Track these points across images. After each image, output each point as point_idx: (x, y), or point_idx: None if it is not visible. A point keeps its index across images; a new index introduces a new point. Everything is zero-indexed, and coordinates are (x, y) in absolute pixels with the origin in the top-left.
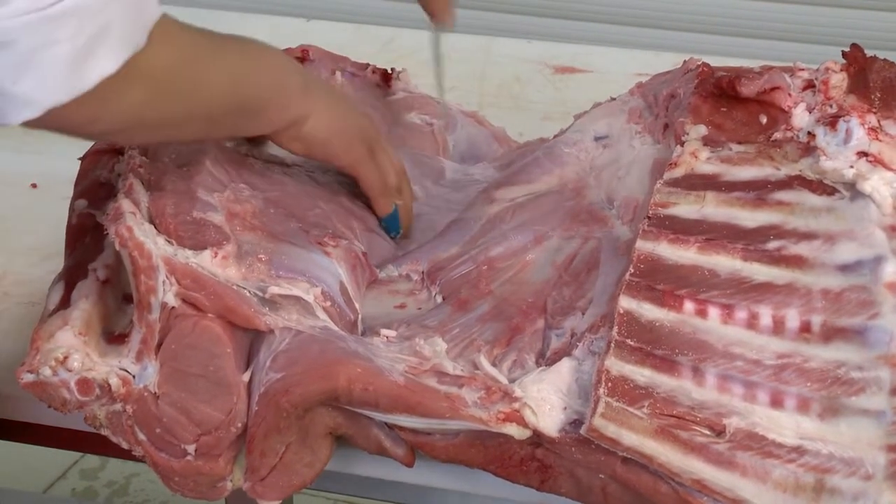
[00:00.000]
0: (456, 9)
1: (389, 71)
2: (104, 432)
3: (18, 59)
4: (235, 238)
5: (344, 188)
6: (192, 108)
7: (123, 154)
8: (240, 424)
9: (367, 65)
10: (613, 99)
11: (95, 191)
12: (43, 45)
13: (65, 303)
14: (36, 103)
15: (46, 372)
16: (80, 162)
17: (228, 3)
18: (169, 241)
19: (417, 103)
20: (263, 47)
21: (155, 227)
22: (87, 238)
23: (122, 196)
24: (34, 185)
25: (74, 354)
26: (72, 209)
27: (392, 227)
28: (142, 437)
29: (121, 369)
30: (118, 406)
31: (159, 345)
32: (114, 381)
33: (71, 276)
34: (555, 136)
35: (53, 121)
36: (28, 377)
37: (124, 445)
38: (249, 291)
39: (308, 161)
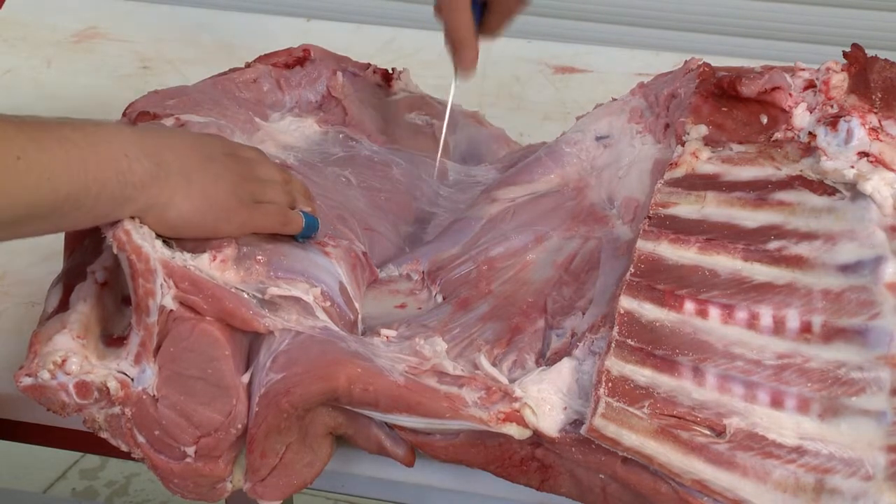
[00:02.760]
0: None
1: (390, 71)
2: (103, 435)
3: None
4: (235, 240)
5: (341, 187)
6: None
7: None
8: (239, 426)
9: (369, 65)
10: (615, 100)
11: None
12: None
13: (63, 306)
14: None
15: (45, 375)
16: None
17: (229, 3)
18: (167, 244)
19: (418, 103)
20: (102, 134)
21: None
22: (85, 240)
23: None
24: None
25: (73, 357)
26: None
27: (309, 231)
28: (141, 439)
29: (119, 372)
30: (117, 409)
31: (158, 347)
32: (112, 384)
33: (69, 279)
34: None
35: None
36: (26, 381)
37: (124, 448)
38: (248, 293)
39: (302, 160)
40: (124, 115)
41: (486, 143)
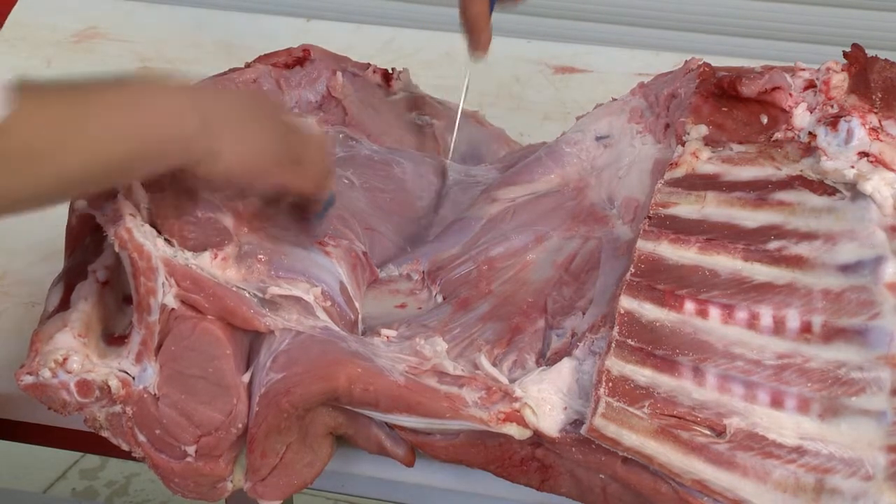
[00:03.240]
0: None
1: (390, 71)
2: (104, 434)
3: None
4: (238, 239)
5: (341, 187)
6: (63, 178)
7: None
8: (240, 425)
9: (369, 65)
10: (615, 100)
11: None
12: None
13: (64, 304)
14: None
15: (46, 374)
16: None
17: (229, 3)
18: (169, 243)
19: (418, 103)
20: (150, 92)
21: (155, 229)
22: (86, 239)
23: (121, 197)
24: None
25: (74, 356)
26: (71, 210)
27: (328, 205)
28: (142, 438)
29: (120, 371)
30: (118, 408)
31: (159, 346)
32: (113, 383)
33: (70, 278)
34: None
35: None
36: (27, 379)
37: (124, 447)
38: (249, 293)
39: None
40: None
41: (487, 142)
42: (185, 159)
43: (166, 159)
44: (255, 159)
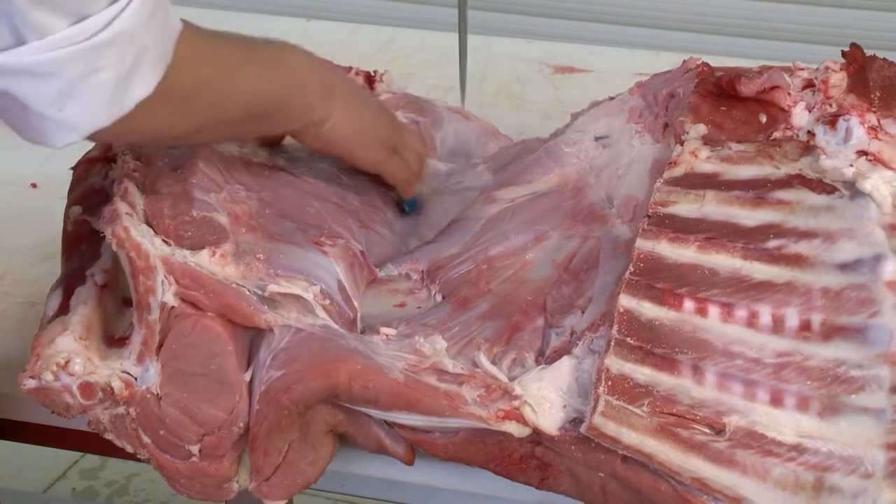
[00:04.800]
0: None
1: (373, 73)
2: (108, 437)
3: (64, 88)
4: (234, 238)
5: (333, 187)
6: (218, 118)
7: (116, 161)
8: (242, 424)
9: (350, 67)
10: (612, 98)
11: (90, 197)
12: (86, 74)
13: (64, 309)
14: (79, 128)
15: (48, 377)
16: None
17: (229, 3)
18: (166, 242)
19: (402, 102)
20: (287, 49)
21: (152, 229)
22: (83, 245)
23: (117, 199)
24: (34, 185)
25: (76, 359)
26: (66, 217)
27: (411, 207)
28: (146, 439)
29: (123, 372)
30: (121, 409)
31: (160, 345)
32: (116, 384)
33: (69, 283)
34: (551, 136)
35: (93, 138)
36: (30, 383)
37: (129, 449)
38: (248, 290)
39: (298, 163)
40: None
41: (474, 136)
42: (304, 119)
43: (292, 116)
44: (361, 132)
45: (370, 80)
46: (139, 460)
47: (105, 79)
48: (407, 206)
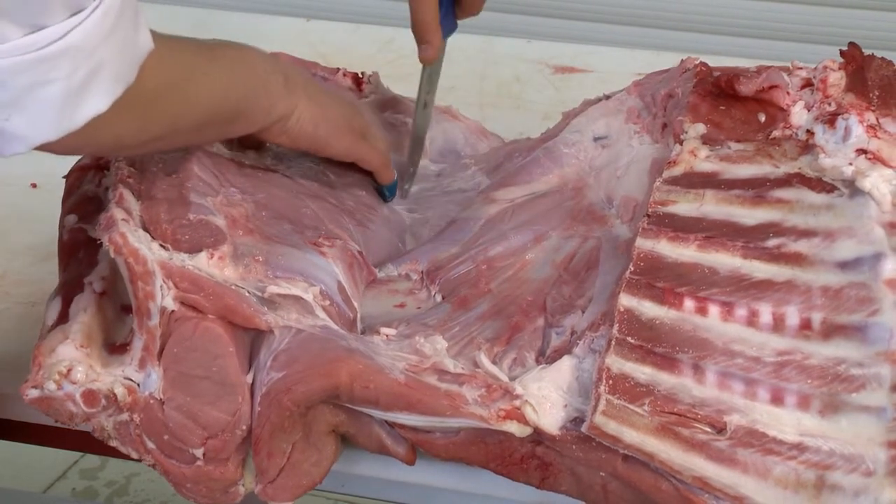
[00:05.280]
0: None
1: (360, 75)
2: (113, 444)
3: (10, 98)
4: (232, 240)
5: (326, 187)
6: (179, 125)
7: (109, 168)
8: (245, 426)
9: (338, 69)
10: (607, 97)
11: (84, 205)
12: (35, 84)
13: (63, 317)
14: (26, 140)
15: (51, 386)
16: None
17: (229, 3)
18: (164, 246)
19: (390, 103)
20: (245, 51)
21: (149, 234)
22: (80, 253)
23: (113, 205)
24: (34, 186)
25: (78, 367)
26: (62, 226)
27: (391, 192)
28: (151, 445)
29: (125, 378)
30: (125, 416)
31: (161, 350)
32: (119, 391)
33: (67, 291)
34: (542, 135)
35: (44, 149)
36: (33, 393)
37: (134, 456)
38: (248, 291)
39: (288, 163)
40: None
41: (463, 135)
42: (268, 118)
43: (256, 117)
44: (327, 121)
45: (357, 81)
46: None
47: (53, 92)
48: (387, 192)
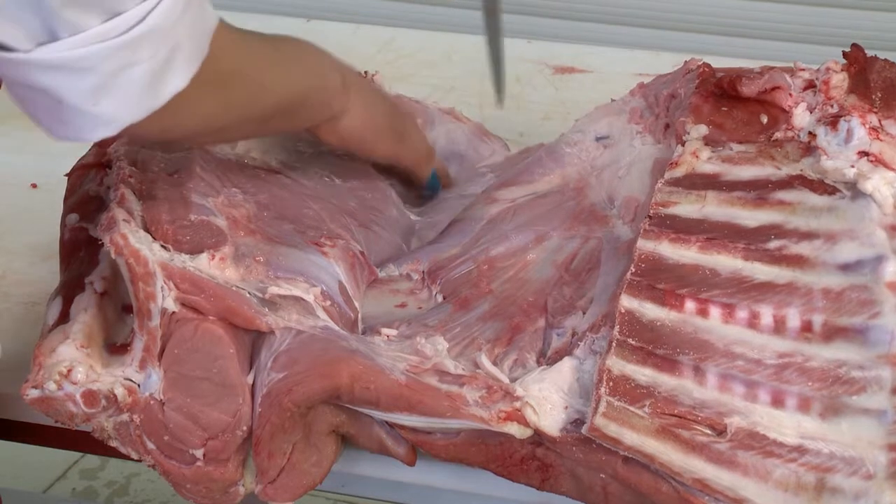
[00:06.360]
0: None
1: (363, 74)
2: (113, 444)
3: (98, 83)
4: (233, 241)
5: (329, 188)
6: (252, 111)
7: (111, 167)
8: (245, 427)
9: None
10: (615, 101)
11: (86, 205)
12: (121, 68)
13: (64, 317)
14: (114, 122)
15: (51, 386)
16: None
17: (229, 3)
18: (165, 247)
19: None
20: (303, 44)
21: (150, 235)
22: (81, 252)
23: (114, 205)
24: (34, 186)
25: (78, 367)
26: (63, 225)
27: (433, 187)
28: (151, 445)
29: (125, 379)
30: (125, 416)
31: (162, 351)
32: (119, 391)
33: (68, 291)
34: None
35: (129, 134)
36: (33, 393)
37: (134, 456)
38: (249, 292)
39: (284, 163)
40: None
41: (465, 137)
42: (326, 113)
43: (316, 110)
44: (375, 124)
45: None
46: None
47: (139, 73)
48: (429, 189)
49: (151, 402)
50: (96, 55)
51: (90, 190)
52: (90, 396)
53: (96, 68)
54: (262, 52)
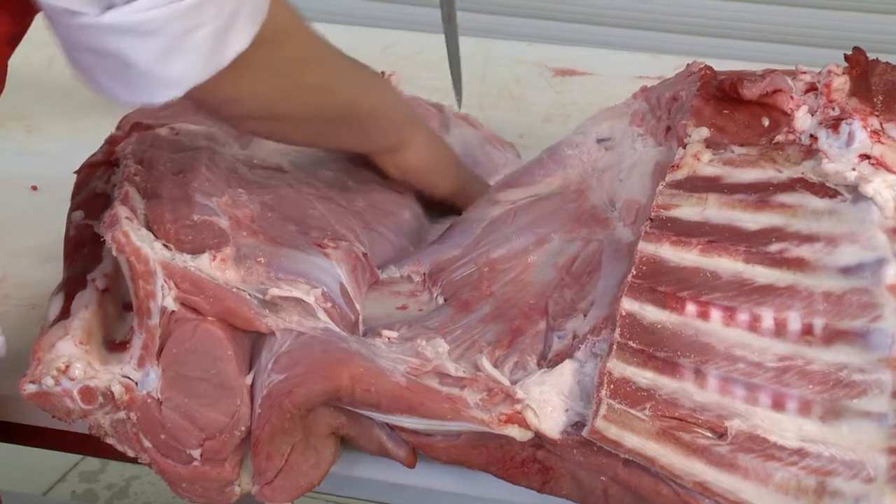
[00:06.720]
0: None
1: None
2: (110, 441)
3: (167, 44)
4: (235, 241)
5: (337, 189)
6: (315, 108)
7: (119, 165)
8: (243, 428)
9: None
10: (618, 104)
11: (92, 202)
12: (189, 30)
13: (65, 313)
14: (181, 83)
15: (49, 382)
16: (75, 175)
17: None
18: (166, 246)
19: (411, 104)
20: (373, 72)
21: (153, 234)
22: (85, 249)
23: (117, 203)
24: (34, 188)
25: (76, 363)
26: (69, 221)
27: None
28: (147, 444)
29: (123, 376)
30: (122, 414)
31: (160, 350)
32: (117, 389)
33: (70, 287)
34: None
35: (196, 98)
36: (31, 388)
37: (130, 454)
38: (249, 294)
39: (296, 163)
40: (118, 127)
41: (478, 143)
42: (390, 139)
43: (381, 131)
44: (435, 162)
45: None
46: (135, 460)
47: (205, 34)
48: None
49: (149, 400)
50: (164, 17)
51: (97, 188)
52: (87, 393)
53: (164, 30)
54: (336, 57)
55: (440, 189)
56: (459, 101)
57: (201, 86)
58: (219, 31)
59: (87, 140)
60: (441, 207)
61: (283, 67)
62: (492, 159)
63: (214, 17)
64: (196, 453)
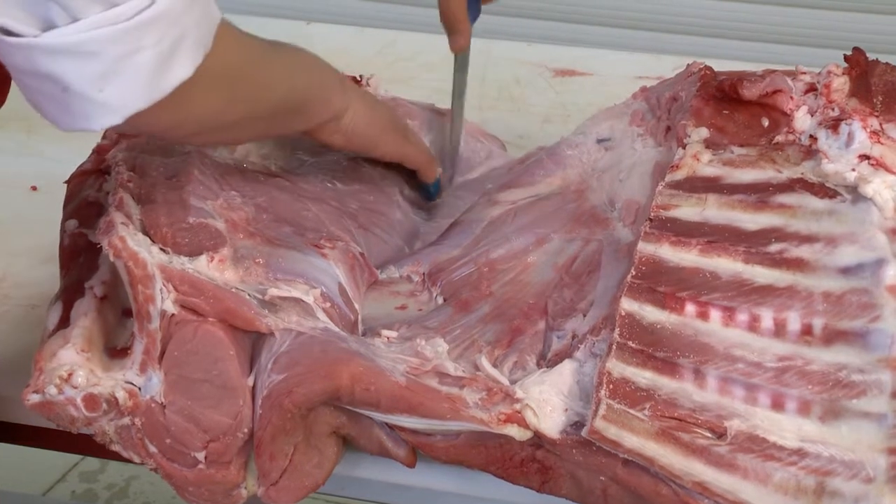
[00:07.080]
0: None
1: (358, 77)
2: (115, 448)
3: (104, 68)
4: (233, 243)
5: (330, 191)
6: (258, 108)
7: (110, 173)
8: (246, 429)
9: None
10: (618, 104)
11: (85, 210)
12: (127, 54)
13: (64, 322)
14: (119, 110)
15: (52, 391)
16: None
17: (230, 5)
18: (164, 250)
19: (391, 105)
20: (302, 50)
21: (149, 238)
22: (80, 258)
23: (113, 209)
24: (34, 188)
25: (79, 371)
26: (63, 231)
27: (436, 189)
28: (153, 449)
29: (126, 382)
30: (126, 420)
31: (162, 354)
32: (120, 395)
33: (68, 296)
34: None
35: (136, 126)
36: (34, 398)
37: (136, 460)
38: (248, 294)
39: (284, 168)
40: (104, 136)
41: (463, 137)
42: (327, 113)
43: (317, 109)
44: (377, 123)
45: (357, 83)
46: (140, 464)
47: (145, 59)
48: (433, 189)
49: (152, 404)
50: (102, 39)
51: (89, 196)
52: (91, 400)
53: (102, 53)
54: (264, 50)
55: (389, 146)
56: (452, 176)
57: (141, 113)
58: (161, 57)
59: (87, 141)
60: (401, 172)
61: (219, 84)
62: (475, 152)
63: (156, 43)
64: (201, 456)
